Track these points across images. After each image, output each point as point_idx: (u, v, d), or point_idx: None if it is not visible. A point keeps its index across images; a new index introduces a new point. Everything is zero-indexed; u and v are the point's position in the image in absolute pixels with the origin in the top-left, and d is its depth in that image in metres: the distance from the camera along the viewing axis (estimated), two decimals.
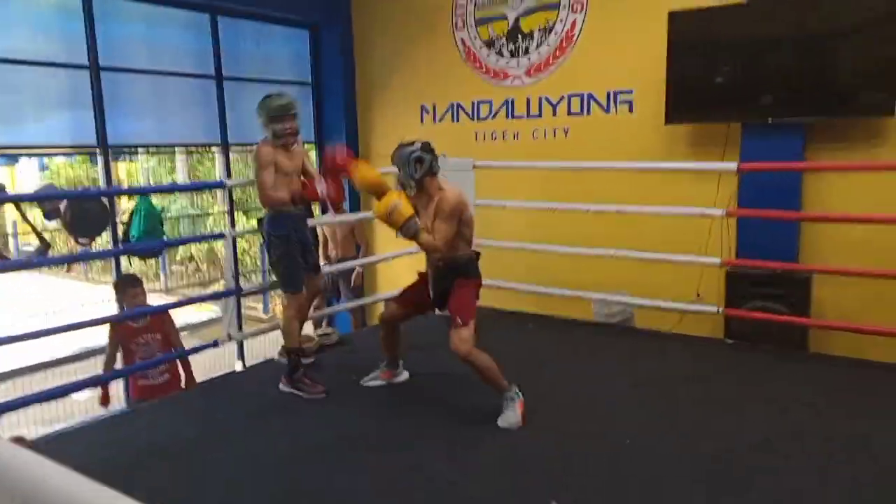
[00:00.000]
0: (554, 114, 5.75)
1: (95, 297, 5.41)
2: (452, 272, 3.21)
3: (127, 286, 4.26)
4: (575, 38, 5.57)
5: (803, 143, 4.51)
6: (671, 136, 5.05)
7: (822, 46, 4.39)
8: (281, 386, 3.49)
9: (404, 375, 3.65)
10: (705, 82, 4.74)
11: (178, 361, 4.26)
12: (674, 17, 4.71)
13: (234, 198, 6.22)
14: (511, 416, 3.02)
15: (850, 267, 4.16)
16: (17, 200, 3.62)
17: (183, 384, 4.27)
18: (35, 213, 5.61)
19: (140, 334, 4.13)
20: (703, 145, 4.93)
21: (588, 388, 3.53)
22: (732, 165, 4.08)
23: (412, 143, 3.18)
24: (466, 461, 2.73)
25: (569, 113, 5.67)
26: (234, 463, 2.75)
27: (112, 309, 4.51)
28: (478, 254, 3.34)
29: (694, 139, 5.00)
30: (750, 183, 4.53)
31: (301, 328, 3.72)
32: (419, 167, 3.14)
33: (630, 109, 5.34)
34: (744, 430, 2.93)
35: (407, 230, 3.06)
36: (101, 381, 4.07)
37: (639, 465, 2.63)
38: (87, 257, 4.72)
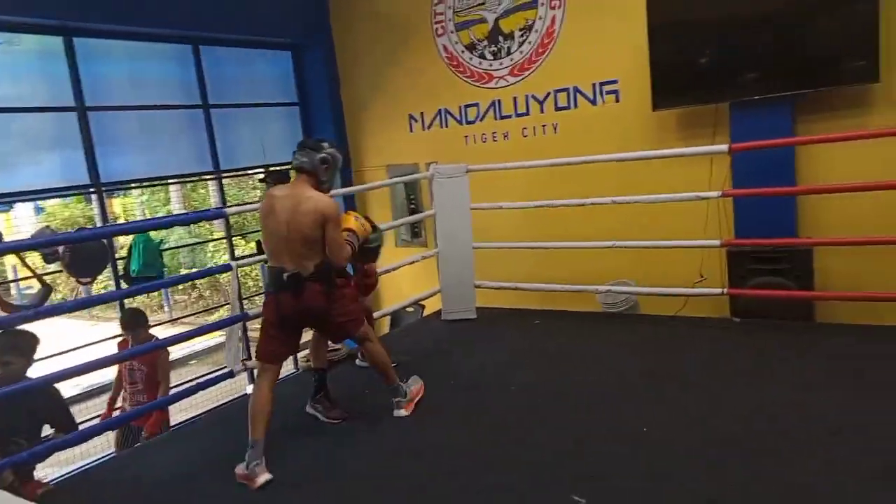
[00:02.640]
0: (542, 111, 5.77)
1: (99, 335, 5.43)
2: None
3: (129, 324, 4.55)
4: (556, 33, 5.59)
5: (792, 118, 4.53)
6: (660, 122, 5.06)
7: (802, 18, 4.40)
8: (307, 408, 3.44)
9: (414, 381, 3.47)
10: (689, 65, 4.76)
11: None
12: (652, 1, 4.74)
13: (231, 222, 6.23)
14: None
15: (850, 236, 4.17)
16: (17, 250, 3.61)
17: (146, 429, 4.35)
18: (34, 257, 5.62)
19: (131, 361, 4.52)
20: (692, 128, 4.94)
21: (600, 377, 3.52)
22: (724, 147, 4.09)
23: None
24: (484, 459, 2.72)
25: (556, 108, 5.69)
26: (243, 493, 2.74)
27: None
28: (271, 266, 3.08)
29: (683, 123, 5.01)
30: (742, 162, 4.54)
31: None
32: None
33: (617, 99, 5.36)
34: (756, 410, 2.91)
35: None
36: (119, 421, 4.49)
37: (656, 454, 2.62)
38: (90, 303, 4.80)
